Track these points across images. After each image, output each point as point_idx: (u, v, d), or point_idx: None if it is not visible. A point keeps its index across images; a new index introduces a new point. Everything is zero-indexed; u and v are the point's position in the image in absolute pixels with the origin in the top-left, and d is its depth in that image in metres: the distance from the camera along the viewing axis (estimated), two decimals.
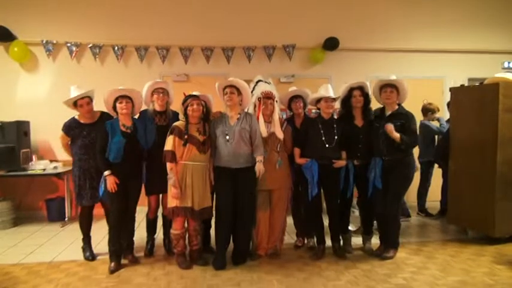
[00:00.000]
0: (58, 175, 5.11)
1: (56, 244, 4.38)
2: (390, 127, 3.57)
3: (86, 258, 3.86)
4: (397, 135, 3.56)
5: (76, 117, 3.84)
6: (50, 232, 4.85)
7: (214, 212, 3.66)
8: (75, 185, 3.82)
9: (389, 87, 3.71)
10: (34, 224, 5.22)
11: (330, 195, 3.83)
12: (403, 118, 3.65)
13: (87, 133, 3.73)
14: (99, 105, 3.83)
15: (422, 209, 5.44)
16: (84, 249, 3.93)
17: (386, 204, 3.74)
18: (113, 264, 3.56)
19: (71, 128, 3.79)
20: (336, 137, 3.72)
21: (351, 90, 3.81)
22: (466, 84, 5.64)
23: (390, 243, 3.85)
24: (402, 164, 3.69)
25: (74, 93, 3.72)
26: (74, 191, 3.87)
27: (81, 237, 3.95)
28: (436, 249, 4.10)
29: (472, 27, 6.48)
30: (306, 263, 3.72)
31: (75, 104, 3.72)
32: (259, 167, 3.58)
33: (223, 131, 3.57)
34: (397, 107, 3.74)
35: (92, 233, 3.98)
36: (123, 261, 3.71)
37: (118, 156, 3.49)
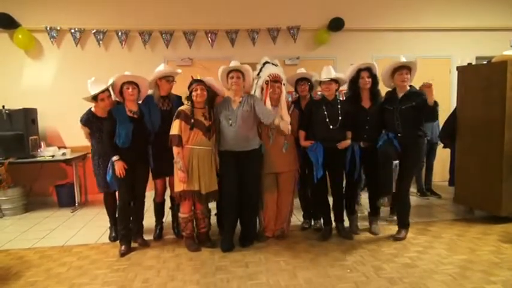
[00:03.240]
0: (67, 161, 5.16)
1: (67, 229, 4.46)
2: (428, 83, 3.45)
3: (109, 239, 4.01)
4: (432, 97, 3.45)
5: (92, 109, 3.83)
6: (61, 217, 4.93)
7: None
8: (95, 173, 3.92)
9: (405, 69, 3.65)
10: (45, 209, 5.31)
11: (335, 176, 3.84)
12: (416, 97, 3.59)
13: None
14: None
15: (428, 188, 5.50)
16: (110, 230, 4.09)
17: (398, 185, 3.78)
18: (123, 247, 3.63)
19: (89, 121, 3.82)
20: (340, 118, 3.70)
21: (358, 71, 3.77)
22: (473, 63, 5.55)
23: (401, 223, 3.87)
24: (415, 144, 3.67)
25: (93, 87, 3.66)
26: (96, 179, 3.95)
27: (107, 219, 4.12)
28: (443, 228, 4.11)
29: (480, 4, 6.34)
30: (313, 244, 3.76)
31: (95, 98, 3.68)
32: (283, 126, 3.54)
33: (226, 115, 3.57)
34: (408, 87, 3.70)
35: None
36: (133, 244, 3.77)
37: (126, 141, 3.51)
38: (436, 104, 3.48)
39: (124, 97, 3.59)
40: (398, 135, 3.66)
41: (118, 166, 3.49)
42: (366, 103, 3.82)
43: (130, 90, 3.54)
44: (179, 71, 3.96)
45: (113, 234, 4.01)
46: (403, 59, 3.70)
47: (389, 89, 3.87)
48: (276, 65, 3.79)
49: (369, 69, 3.76)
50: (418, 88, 3.76)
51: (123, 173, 3.50)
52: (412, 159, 3.72)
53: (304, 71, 4.11)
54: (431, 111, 3.49)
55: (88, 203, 5.58)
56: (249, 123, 3.58)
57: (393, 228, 3.97)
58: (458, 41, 6.30)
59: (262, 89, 3.75)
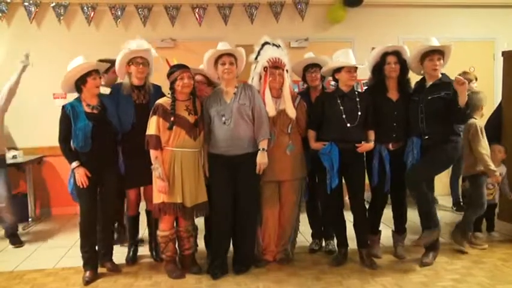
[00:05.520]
0: (19, 166, 5.14)
1: (19, 250, 4.45)
2: (461, 79, 3.40)
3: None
4: (464, 97, 3.44)
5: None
6: None
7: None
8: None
9: (437, 54, 3.66)
10: None
11: (354, 187, 3.83)
12: (448, 88, 3.59)
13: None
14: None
15: (456, 202, 5.55)
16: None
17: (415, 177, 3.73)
18: (87, 273, 3.61)
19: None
20: (359, 114, 3.71)
21: (384, 55, 3.78)
22: None
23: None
24: (446, 141, 3.65)
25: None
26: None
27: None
28: (484, 251, 4.12)
29: None
30: (324, 271, 3.76)
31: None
32: (260, 159, 3.57)
33: (219, 111, 3.57)
34: (440, 75, 3.71)
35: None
36: (100, 269, 3.76)
37: (86, 144, 3.50)
38: (467, 107, 3.48)
39: (85, 89, 3.55)
40: (425, 137, 3.65)
41: (79, 174, 3.49)
42: (393, 95, 3.82)
43: (97, 80, 3.55)
44: (153, 51, 3.86)
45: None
46: (434, 41, 3.71)
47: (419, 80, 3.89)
48: (277, 46, 3.79)
49: (397, 54, 3.77)
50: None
51: (86, 181, 3.50)
52: (438, 154, 3.66)
53: (312, 55, 4.13)
54: (461, 113, 3.51)
55: (46, 218, 5.60)
56: (247, 120, 3.58)
57: (423, 250, 3.95)
58: (505, 20, 6.32)
59: (260, 76, 3.76)
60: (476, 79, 5.27)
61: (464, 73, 5.28)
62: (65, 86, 3.62)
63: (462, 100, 3.45)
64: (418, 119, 3.68)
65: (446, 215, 5.27)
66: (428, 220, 3.75)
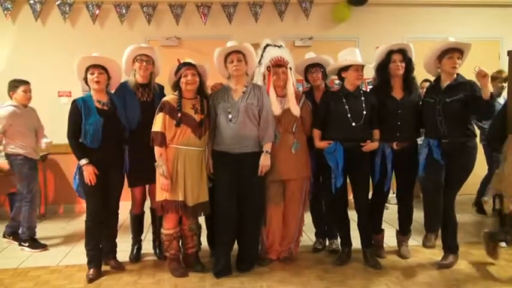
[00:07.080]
0: None
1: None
2: (483, 71, 3.36)
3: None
4: (488, 89, 3.39)
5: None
6: None
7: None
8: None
9: (457, 53, 3.61)
10: None
11: (359, 187, 3.82)
12: (465, 88, 3.55)
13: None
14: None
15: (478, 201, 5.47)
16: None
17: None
18: (91, 271, 3.62)
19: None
20: (364, 113, 3.70)
21: (389, 53, 3.76)
22: None
23: (446, 246, 3.81)
24: (463, 148, 3.62)
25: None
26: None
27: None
28: None
29: None
30: (327, 270, 3.76)
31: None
32: (263, 162, 3.57)
33: (225, 108, 3.57)
34: (455, 76, 3.66)
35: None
36: (104, 267, 3.76)
37: (96, 140, 3.50)
38: (492, 97, 3.42)
39: (89, 85, 3.59)
40: (442, 141, 3.60)
41: (87, 171, 3.48)
42: (398, 93, 3.80)
43: (95, 75, 3.53)
44: (155, 49, 3.95)
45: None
46: (451, 40, 3.66)
47: (425, 80, 3.86)
48: (279, 47, 3.80)
49: (403, 52, 3.75)
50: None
51: (94, 179, 3.50)
52: (459, 167, 3.65)
53: (313, 55, 4.12)
54: (489, 106, 3.44)
55: (50, 216, 5.62)
56: (253, 120, 3.58)
57: (427, 251, 3.97)
58: (510, 19, 6.29)
59: (264, 77, 3.77)
60: (505, 80, 5.19)
61: (499, 72, 5.22)
62: (80, 81, 3.66)
63: (486, 93, 3.40)
64: (436, 122, 3.62)
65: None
66: (454, 242, 3.78)
